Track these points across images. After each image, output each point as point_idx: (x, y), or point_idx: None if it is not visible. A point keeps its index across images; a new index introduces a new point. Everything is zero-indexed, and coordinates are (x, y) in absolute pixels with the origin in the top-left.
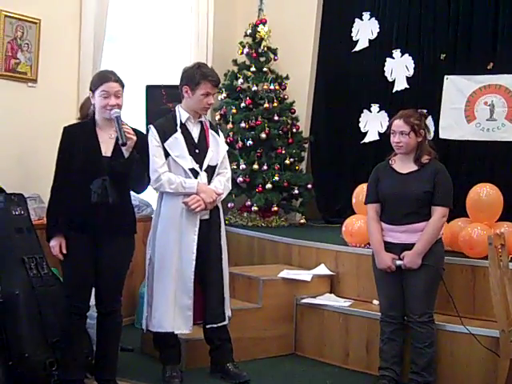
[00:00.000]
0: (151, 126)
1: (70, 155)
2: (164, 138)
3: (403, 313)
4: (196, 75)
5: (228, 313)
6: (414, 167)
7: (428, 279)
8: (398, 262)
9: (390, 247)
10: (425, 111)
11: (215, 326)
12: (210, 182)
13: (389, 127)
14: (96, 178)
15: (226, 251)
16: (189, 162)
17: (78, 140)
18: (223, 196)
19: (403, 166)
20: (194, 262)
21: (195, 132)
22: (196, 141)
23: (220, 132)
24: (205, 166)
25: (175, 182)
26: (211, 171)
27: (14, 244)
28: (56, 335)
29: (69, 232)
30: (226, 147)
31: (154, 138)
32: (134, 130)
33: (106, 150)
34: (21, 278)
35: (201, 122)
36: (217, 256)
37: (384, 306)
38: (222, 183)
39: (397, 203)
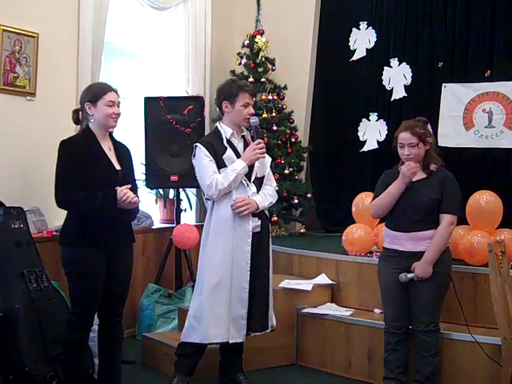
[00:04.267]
0: (198, 144)
1: (79, 170)
2: (216, 153)
3: (408, 323)
4: (233, 89)
5: (272, 322)
6: (423, 175)
7: (437, 288)
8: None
9: (396, 255)
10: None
11: (258, 334)
12: (257, 192)
13: (395, 140)
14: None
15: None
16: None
17: (84, 154)
18: (273, 202)
19: None
20: (248, 273)
21: (240, 147)
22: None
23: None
24: (252, 178)
25: (226, 173)
26: (259, 183)
27: (14, 258)
28: (56, 349)
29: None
30: (270, 159)
31: (204, 154)
32: (120, 144)
33: (115, 162)
34: (21, 291)
35: (243, 137)
36: (265, 266)
37: (389, 316)
38: (271, 191)
39: (405, 211)
